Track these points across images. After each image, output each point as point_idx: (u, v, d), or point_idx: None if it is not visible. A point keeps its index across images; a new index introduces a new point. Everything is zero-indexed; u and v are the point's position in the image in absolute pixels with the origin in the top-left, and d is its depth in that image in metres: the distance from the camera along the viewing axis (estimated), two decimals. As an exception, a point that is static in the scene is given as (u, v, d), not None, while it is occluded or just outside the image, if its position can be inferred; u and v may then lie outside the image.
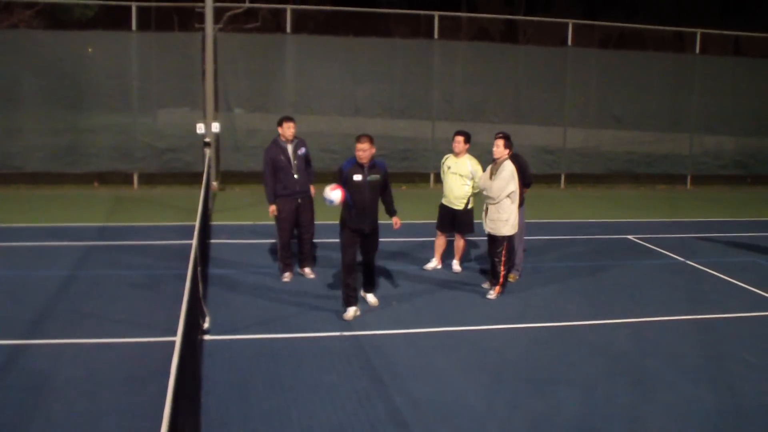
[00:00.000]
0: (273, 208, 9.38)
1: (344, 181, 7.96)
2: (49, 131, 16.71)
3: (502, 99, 19.10)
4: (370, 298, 8.71)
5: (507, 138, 8.98)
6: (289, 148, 9.37)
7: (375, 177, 8.05)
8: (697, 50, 19.96)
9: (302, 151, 9.44)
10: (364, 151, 7.94)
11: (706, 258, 11.46)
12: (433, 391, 6.38)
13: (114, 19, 19.19)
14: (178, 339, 4.57)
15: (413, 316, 8.32)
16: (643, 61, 20.28)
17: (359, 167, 8.01)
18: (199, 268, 7.48)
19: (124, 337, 7.38)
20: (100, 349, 7.05)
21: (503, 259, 9.01)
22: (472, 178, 9.85)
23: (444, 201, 10.10)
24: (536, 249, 11.82)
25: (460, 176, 9.88)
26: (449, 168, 9.97)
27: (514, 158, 9.21)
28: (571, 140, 19.39)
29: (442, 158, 10.25)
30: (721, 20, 29.54)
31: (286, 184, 9.31)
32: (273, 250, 10.79)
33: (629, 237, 12.98)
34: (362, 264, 8.54)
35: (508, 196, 8.83)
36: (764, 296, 9.61)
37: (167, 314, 7.81)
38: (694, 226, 14.30)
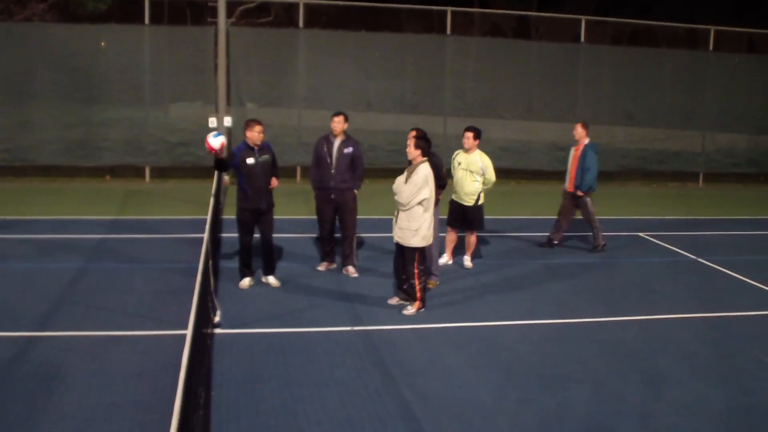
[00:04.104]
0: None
1: (237, 165, 8.56)
2: (62, 124, 16.78)
3: (514, 95, 19.03)
4: (272, 280, 9.07)
5: (422, 138, 8.05)
6: (336, 143, 9.36)
7: (266, 158, 8.69)
8: (711, 47, 19.80)
9: (348, 150, 9.37)
10: (260, 133, 8.57)
11: (717, 256, 11.40)
12: (443, 386, 6.38)
13: (127, 12, 19.26)
14: (189, 332, 4.60)
15: (424, 312, 8.30)
16: (656, 58, 20.14)
17: (251, 150, 8.59)
18: (210, 262, 7.51)
19: (135, 330, 7.42)
20: (112, 342, 7.09)
21: (416, 272, 8.13)
22: (483, 174, 9.84)
23: (454, 197, 10.08)
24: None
25: (470, 172, 9.86)
26: (459, 164, 9.95)
27: (428, 158, 8.22)
28: (583, 137, 19.24)
29: (453, 154, 10.24)
30: (734, 17, 29.29)
31: (322, 177, 9.44)
32: (284, 244, 10.79)
33: (641, 234, 12.93)
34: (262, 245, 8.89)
35: (420, 203, 7.87)
36: (777, 295, 9.57)
37: (178, 307, 7.85)
38: (706, 224, 14.22)
